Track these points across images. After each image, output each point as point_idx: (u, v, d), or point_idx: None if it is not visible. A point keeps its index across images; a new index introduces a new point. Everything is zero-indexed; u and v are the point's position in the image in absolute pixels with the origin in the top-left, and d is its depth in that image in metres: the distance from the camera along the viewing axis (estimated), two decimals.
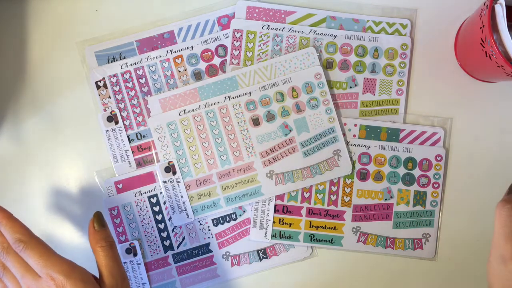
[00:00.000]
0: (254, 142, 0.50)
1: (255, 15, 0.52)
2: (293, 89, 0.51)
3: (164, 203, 0.51)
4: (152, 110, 0.51)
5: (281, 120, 0.51)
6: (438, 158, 0.51)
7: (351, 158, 0.51)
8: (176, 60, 0.52)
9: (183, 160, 0.50)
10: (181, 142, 0.51)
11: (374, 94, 0.52)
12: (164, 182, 0.50)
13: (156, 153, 0.51)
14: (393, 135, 0.51)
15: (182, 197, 0.50)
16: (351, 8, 0.52)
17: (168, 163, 0.50)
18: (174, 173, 0.50)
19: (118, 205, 0.51)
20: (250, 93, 0.51)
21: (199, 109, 0.51)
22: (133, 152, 0.51)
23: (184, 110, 0.51)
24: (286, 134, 0.51)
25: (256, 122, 0.51)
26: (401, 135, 0.51)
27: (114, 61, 0.52)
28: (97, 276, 0.41)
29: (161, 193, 0.51)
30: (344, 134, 0.51)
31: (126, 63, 0.51)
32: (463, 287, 0.51)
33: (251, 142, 0.50)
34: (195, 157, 0.50)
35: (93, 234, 0.41)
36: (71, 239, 0.52)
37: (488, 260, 0.38)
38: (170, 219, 0.51)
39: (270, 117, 0.51)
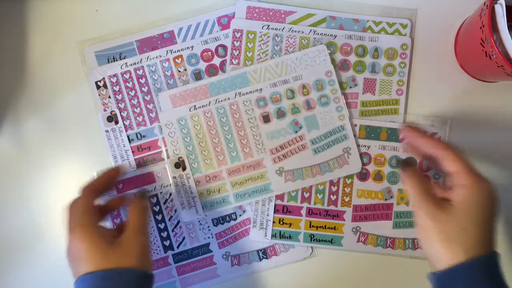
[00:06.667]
0: (264, 139, 0.50)
1: (255, 15, 0.52)
2: (304, 86, 0.51)
3: (165, 202, 0.51)
4: (162, 106, 0.51)
5: (292, 117, 0.51)
6: None
7: (361, 156, 0.51)
8: (176, 60, 0.52)
9: (193, 156, 0.50)
10: (191, 138, 0.50)
11: (374, 94, 0.52)
12: (174, 177, 0.50)
13: (166, 149, 0.51)
14: (393, 135, 0.51)
15: (191, 193, 0.50)
16: (351, 8, 0.52)
17: (178, 159, 0.50)
18: (184, 168, 0.50)
19: None
20: (261, 89, 0.51)
21: (209, 105, 0.51)
22: (133, 152, 0.51)
23: (195, 106, 0.51)
24: (296, 131, 0.50)
25: (266, 119, 0.51)
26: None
27: (114, 61, 0.52)
28: None
29: (161, 193, 0.51)
30: (355, 135, 0.51)
31: (126, 63, 0.51)
32: None
33: (261, 139, 0.50)
34: (205, 153, 0.50)
35: (133, 198, 0.45)
36: None
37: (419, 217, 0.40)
38: (170, 219, 0.51)
39: (281, 114, 0.51)
